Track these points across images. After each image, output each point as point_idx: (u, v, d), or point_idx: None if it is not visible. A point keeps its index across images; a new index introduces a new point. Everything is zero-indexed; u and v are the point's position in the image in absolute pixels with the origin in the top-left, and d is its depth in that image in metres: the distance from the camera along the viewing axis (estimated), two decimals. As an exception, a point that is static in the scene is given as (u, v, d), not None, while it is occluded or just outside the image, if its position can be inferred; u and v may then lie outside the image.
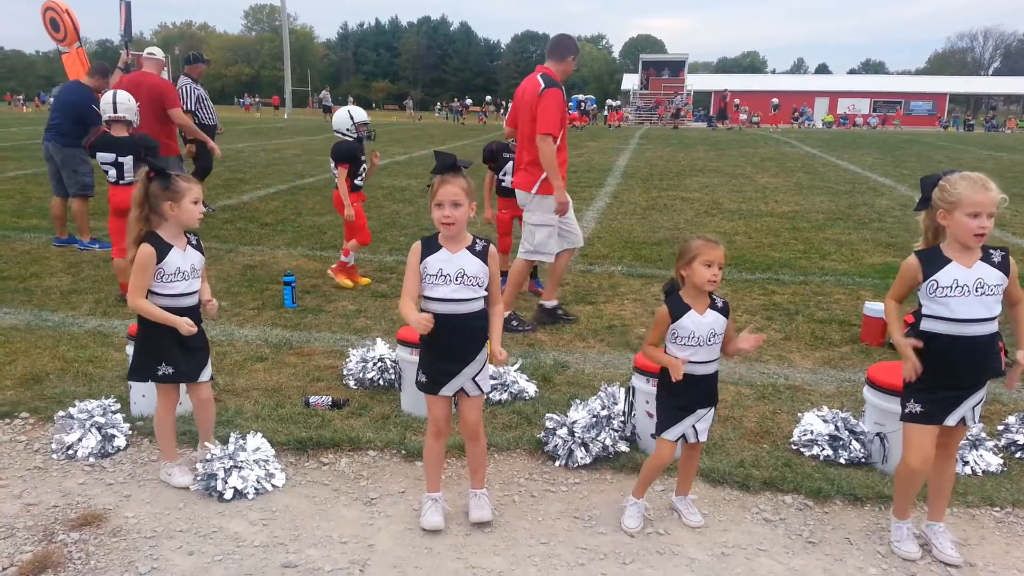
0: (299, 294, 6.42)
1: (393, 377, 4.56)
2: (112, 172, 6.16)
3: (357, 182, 6.86)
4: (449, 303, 3.03)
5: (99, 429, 3.76)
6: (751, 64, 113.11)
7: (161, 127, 7.87)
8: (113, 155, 6.15)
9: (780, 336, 5.74)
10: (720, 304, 3.08)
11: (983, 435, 3.81)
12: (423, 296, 3.07)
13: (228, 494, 3.36)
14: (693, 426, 3.14)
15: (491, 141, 6.80)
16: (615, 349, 5.43)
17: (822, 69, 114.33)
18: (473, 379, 3.12)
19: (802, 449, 3.87)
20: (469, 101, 59.60)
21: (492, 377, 4.36)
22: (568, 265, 6.13)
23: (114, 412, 3.89)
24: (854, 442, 3.79)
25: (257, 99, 70.50)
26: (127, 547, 3.01)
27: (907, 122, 57.85)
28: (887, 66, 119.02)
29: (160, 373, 3.38)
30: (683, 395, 3.11)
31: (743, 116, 49.77)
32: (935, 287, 2.86)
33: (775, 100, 54.63)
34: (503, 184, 6.71)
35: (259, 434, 3.65)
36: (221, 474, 3.41)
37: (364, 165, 6.88)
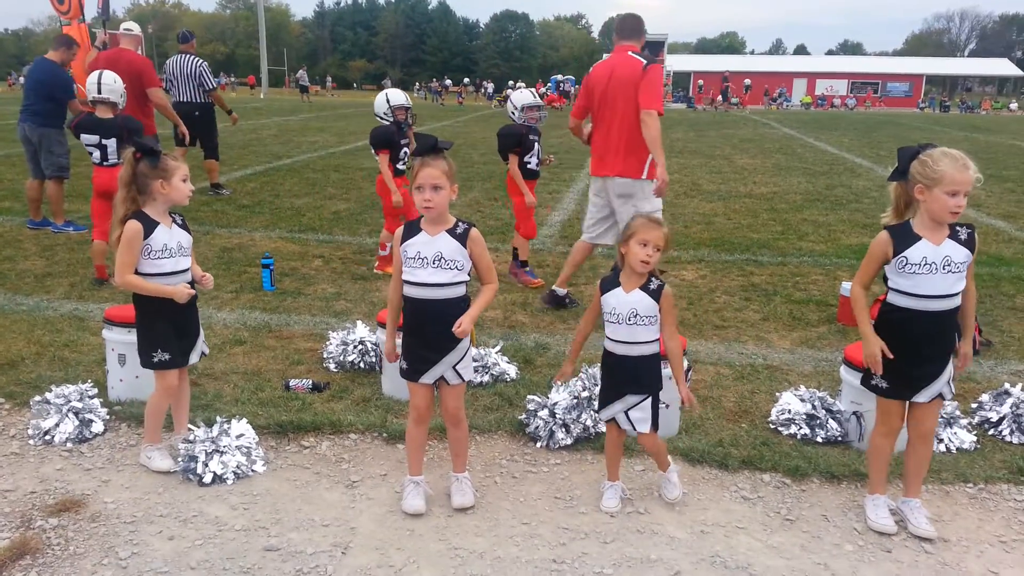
0: (278, 277, 6.38)
1: (374, 360, 4.55)
2: (96, 154, 6.11)
3: (400, 167, 6.68)
4: (427, 288, 3.01)
5: (76, 414, 3.73)
6: (730, 45, 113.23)
7: (139, 106, 7.75)
8: (97, 137, 6.09)
9: (758, 317, 5.79)
10: (653, 287, 3.04)
11: (957, 413, 3.88)
12: (404, 281, 3.06)
13: (207, 478, 3.35)
14: (625, 414, 3.12)
15: (507, 124, 6.60)
16: (595, 331, 5.42)
17: (801, 50, 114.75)
18: (454, 367, 3.11)
19: (780, 428, 3.92)
20: (449, 82, 59.11)
21: (473, 359, 4.36)
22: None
23: (91, 397, 3.85)
24: (831, 421, 3.84)
25: (232, 79, 69.55)
26: (106, 532, 3.00)
27: (884, 103, 58.24)
28: (865, 47, 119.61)
29: (156, 360, 3.35)
30: (609, 375, 3.16)
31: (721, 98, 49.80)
32: (904, 263, 2.91)
33: (747, 81, 54.61)
34: (528, 167, 6.51)
35: (244, 420, 3.64)
36: (202, 457, 3.39)
37: (405, 149, 6.71)
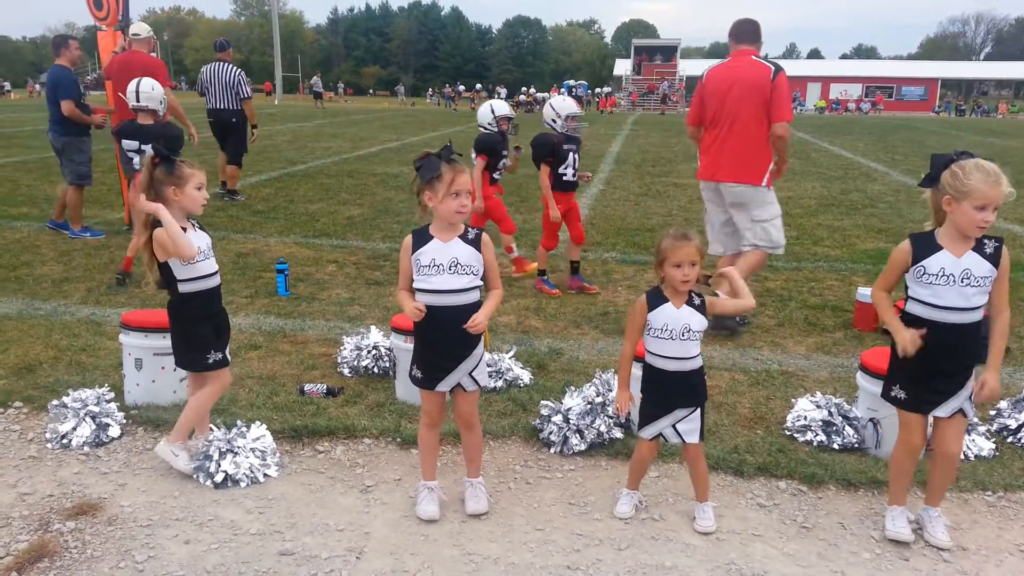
0: (292, 282, 6.40)
1: (388, 365, 4.56)
2: (136, 159, 6.30)
3: (495, 175, 6.70)
4: (443, 294, 3.00)
5: (93, 418, 3.75)
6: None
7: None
8: (136, 142, 6.32)
9: (774, 322, 5.76)
10: (698, 302, 3.03)
11: (975, 420, 3.84)
12: (417, 289, 3.04)
13: (219, 477, 3.37)
14: (674, 427, 3.09)
15: (541, 133, 6.46)
16: (609, 336, 5.43)
17: (814, 54, 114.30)
18: (470, 374, 3.11)
19: (796, 435, 3.89)
20: (462, 87, 59.08)
21: (487, 364, 4.36)
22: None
23: (108, 401, 3.88)
24: (847, 427, 3.81)
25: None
26: (123, 536, 3.01)
27: (899, 107, 57.90)
28: (879, 51, 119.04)
29: (211, 361, 3.41)
30: (658, 392, 3.10)
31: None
32: (922, 272, 2.87)
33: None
34: (563, 178, 6.35)
35: (263, 425, 3.65)
36: (216, 456, 3.41)
37: (505, 160, 6.70)
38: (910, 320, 2.95)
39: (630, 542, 3.06)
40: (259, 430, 3.59)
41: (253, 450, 3.49)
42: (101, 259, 7.18)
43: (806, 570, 2.91)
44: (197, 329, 3.39)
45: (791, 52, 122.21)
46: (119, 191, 9.21)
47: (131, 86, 6.53)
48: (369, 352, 4.60)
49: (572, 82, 49.24)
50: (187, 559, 2.89)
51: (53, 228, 8.24)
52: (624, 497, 3.27)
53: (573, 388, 4.03)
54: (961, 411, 2.97)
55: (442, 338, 3.05)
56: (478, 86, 58.21)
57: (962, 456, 3.70)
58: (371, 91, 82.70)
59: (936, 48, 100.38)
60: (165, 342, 3.73)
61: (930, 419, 3.05)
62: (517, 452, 3.77)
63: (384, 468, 3.58)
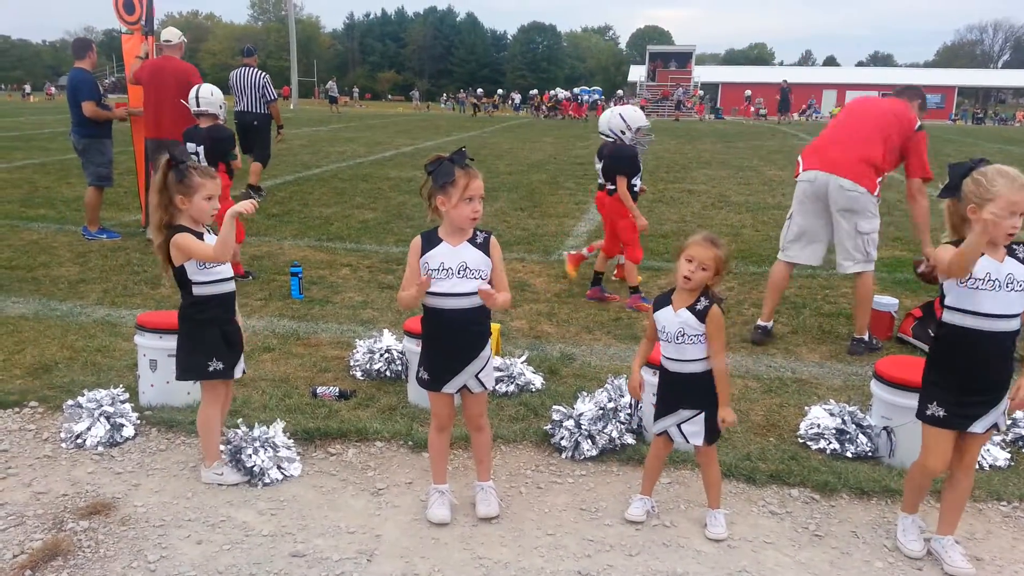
0: (306, 285, 6.43)
1: (400, 368, 4.57)
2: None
3: (635, 190, 6.43)
4: (452, 298, 3.01)
5: (108, 418, 3.78)
6: (759, 56, 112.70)
7: (187, 112, 7.81)
8: (193, 145, 6.47)
9: (787, 330, 5.73)
10: (700, 307, 2.99)
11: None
12: (427, 292, 3.04)
13: (256, 470, 3.42)
14: (678, 427, 3.09)
15: (618, 145, 6.22)
16: (621, 341, 5.43)
17: (830, 61, 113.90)
18: (476, 376, 3.11)
19: (809, 442, 3.87)
20: (480, 91, 58.13)
21: (498, 369, 4.37)
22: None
23: (123, 401, 3.91)
24: (861, 436, 3.78)
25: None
26: (136, 536, 3.03)
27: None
28: (895, 58, 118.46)
29: (211, 369, 3.36)
30: (664, 390, 3.14)
31: (752, 109, 49.58)
32: (968, 277, 2.76)
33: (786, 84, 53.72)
34: (634, 189, 6.24)
35: (281, 425, 3.68)
36: (250, 450, 3.45)
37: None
38: (948, 331, 2.85)
39: (641, 548, 3.05)
40: (282, 437, 3.63)
41: (284, 444, 3.57)
42: (117, 261, 7.24)
43: (818, 579, 2.90)
44: (205, 333, 3.35)
45: (807, 59, 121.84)
46: (136, 193, 9.29)
47: (192, 92, 6.68)
48: (382, 355, 4.62)
49: (577, 88, 49.19)
50: (199, 559, 2.90)
51: (91, 238, 8.23)
52: (637, 502, 3.27)
53: (585, 393, 4.03)
54: (995, 425, 2.89)
55: (450, 341, 3.07)
56: (500, 92, 57.32)
57: (977, 466, 3.68)
58: (388, 96, 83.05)
59: (953, 56, 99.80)
60: (180, 343, 3.74)
61: None
62: (528, 457, 3.77)
63: (396, 471, 3.59)
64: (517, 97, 55.05)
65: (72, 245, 7.87)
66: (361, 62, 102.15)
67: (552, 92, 49.81)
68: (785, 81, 47.17)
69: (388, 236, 8.69)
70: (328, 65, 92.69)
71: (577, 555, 3.00)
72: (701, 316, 2.99)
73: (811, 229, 5.37)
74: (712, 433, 3.09)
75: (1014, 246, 2.80)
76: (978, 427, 2.87)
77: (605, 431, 3.75)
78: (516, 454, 3.78)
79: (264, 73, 11.10)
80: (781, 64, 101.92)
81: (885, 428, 3.73)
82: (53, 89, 61.17)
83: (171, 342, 3.96)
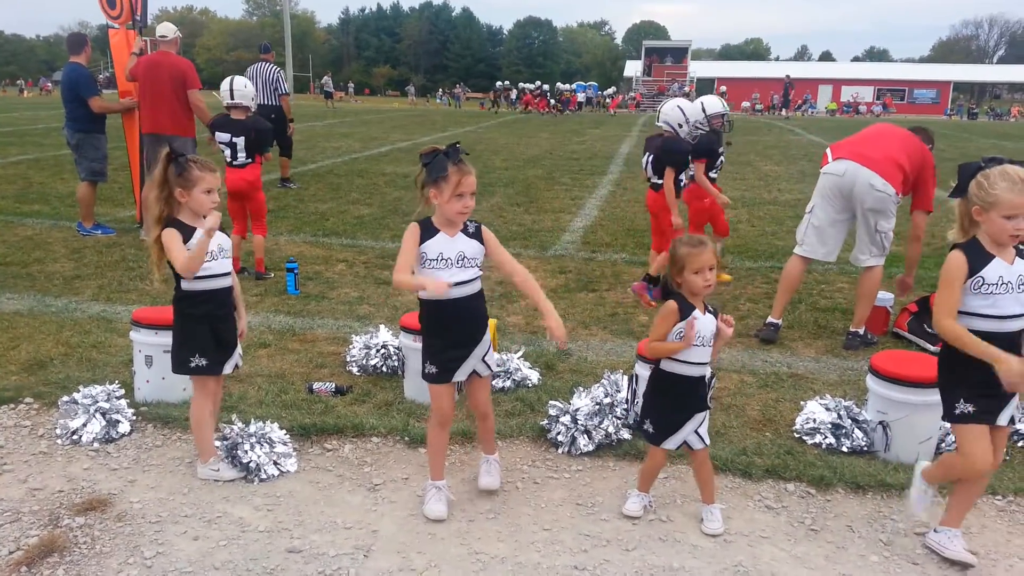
0: (302, 280, 6.43)
1: (396, 364, 4.57)
2: (227, 152, 6.43)
3: (712, 175, 6.49)
4: (453, 287, 3.03)
5: (103, 414, 3.77)
6: (754, 51, 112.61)
7: (182, 108, 7.79)
8: (228, 135, 6.44)
9: (783, 324, 5.74)
10: (711, 308, 3.05)
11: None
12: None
13: (252, 465, 3.42)
14: (695, 431, 3.07)
15: (672, 139, 6.20)
16: (618, 337, 5.43)
17: (826, 56, 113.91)
18: (483, 359, 3.18)
19: (804, 437, 3.88)
20: (500, 84, 53.74)
21: (496, 364, 4.37)
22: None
23: (118, 398, 3.90)
24: (856, 430, 3.79)
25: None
26: (132, 532, 3.03)
27: (911, 110, 57.65)
28: (891, 53, 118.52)
29: (193, 365, 3.36)
30: (681, 398, 3.06)
31: (746, 104, 49.60)
32: (981, 283, 2.73)
33: (723, 88, 52.80)
34: (681, 185, 6.24)
35: (276, 423, 3.68)
36: (247, 446, 3.46)
37: (723, 159, 6.50)
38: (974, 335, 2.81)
39: (638, 543, 3.06)
40: (279, 433, 3.63)
41: (280, 440, 3.58)
42: (112, 256, 7.23)
43: (814, 572, 2.90)
44: (193, 328, 3.35)
45: (802, 54, 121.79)
46: (130, 189, 9.26)
47: (224, 84, 6.65)
48: (378, 351, 4.61)
49: (569, 85, 49.02)
50: (195, 555, 2.90)
51: (86, 234, 8.23)
52: (634, 497, 3.27)
53: (581, 389, 4.03)
54: (1012, 418, 2.88)
55: (453, 329, 3.13)
56: (499, 84, 56.12)
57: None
58: (387, 91, 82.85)
59: (949, 51, 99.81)
60: (176, 339, 3.74)
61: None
62: (525, 452, 3.77)
63: (392, 467, 3.59)
64: (514, 93, 54.70)
65: (67, 241, 7.85)
66: (356, 57, 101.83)
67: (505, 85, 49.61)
68: (788, 76, 47.02)
69: (384, 231, 8.67)
70: (323, 60, 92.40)
71: (573, 550, 3.00)
72: (716, 315, 3.04)
73: (832, 225, 5.32)
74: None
75: (1022, 246, 2.79)
76: (1002, 419, 2.85)
77: (601, 426, 3.75)
78: (512, 449, 3.78)
79: (278, 68, 11.68)
80: (777, 59, 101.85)
81: (881, 423, 3.74)
82: (50, 84, 60.89)
83: (166, 338, 3.94)
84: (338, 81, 60.08)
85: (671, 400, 3.08)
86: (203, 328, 3.35)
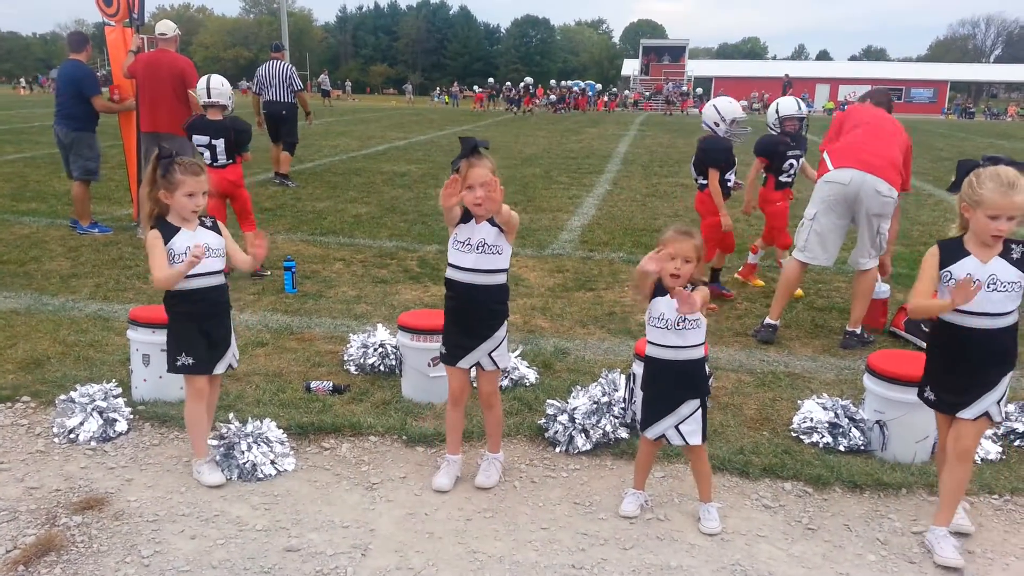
0: (299, 279, 6.42)
1: (394, 363, 4.56)
2: (206, 154, 6.40)
3: (782, 179, 6.44)
4: (472, 273, 3.18)
5: (100, 413, 3.77)
6: (752, 50, 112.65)
7: (182, 106, 7.77)
8: (207, 137, 6.39)
9: (780, 324, 5.74)
10: (692, 291, 2.97)
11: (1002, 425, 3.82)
12: (449, 264, 3.24)
13: (248, 466, 3.42)
14: (676, 428, 3.08)
15: (710, 137, 6.27)
16: (615, 336, 5.43)
17: (823, 55, 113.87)
18: (489, 355, 3.27)
19: (802, 436, 3.89)
20: (508, 84, 52.32)
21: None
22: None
23: (115, 396, 3.89)
24: (854, 430, 3.80)
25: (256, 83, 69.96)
26: (129, 531, 3.03)
27: (908, 109, 57.70)
28: (888, 53, 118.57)
29: (179, 363, 3.37)
30: (659, 386, 3.09)
31: (743, 103, 49.58)
32: (948, 278, 2.87)
33: (721, 91, 53.15)
34: (728, 185, 6.23)
35: (273, 422, 3.67)
36: (243, 446, 3.45)
37: (792, 161, 6.38)
38: (941, 326, 2.95)
39: (635, 542, 3.06)
40: (276, 432, 3.63)
41: (278, 440, 3.58)
42: (109, 255, 7.21)
43: (811, 572, 2.91)
44: (181, 327, 3.37)
45: (800, 53, 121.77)
46: (127, 187, 9.24)
47: (200, 83, 6.64)
48: (375, 350, 4.61)
49: (572, 83, 48.76)
50: (193, 554, 2.90)
51: (82, 232, 8.21)
52: (629, 496, 3.28)
53: (579, 387, 4.03)
54: (987, 414, 2.93)
55: (468, 316, 3.25)
56: (491, 80, 55.60)
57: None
58: (391, 90, 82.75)
59: (945, 50, 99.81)
60: (173, 338, 3.73)
61: None
62: (523, 451, 3.77)
63: (390, 466, 3.59)
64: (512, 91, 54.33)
65: (63, 239, 7.83)
66: (354, 55, 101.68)
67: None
68: (787, 75, 46.98)
69: (381, 230, 8.67)
70: (320, 58, 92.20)
71: (571, 549, 3.01)
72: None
73: (834, 231, 5.32)
74: (705, 429, 3.12)
75: (1011, 245, 2.84)
76: (967, 414, 2.93)
77: (599, 425, 3.76)
78: (510, 448, 3.78)
79: (291, 66, 11.97)
80: (774, 58, 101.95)
81: (878, 422, 3.74)
82: (47, 81, 60.70)
83: (163, 337, 3.94)
84: (335, 79, 59.93)
85: (653, 386, 3.14)
86: (191, 327, 3.36)
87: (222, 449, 3.47)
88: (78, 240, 7.81)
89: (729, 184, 6.21)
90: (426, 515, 3.19)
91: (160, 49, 8.00)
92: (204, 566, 2.84)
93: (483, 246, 3.17)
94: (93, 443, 3.68)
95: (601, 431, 3.76)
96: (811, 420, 3.89)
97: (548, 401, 3.95)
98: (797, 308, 6.12)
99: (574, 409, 3.80)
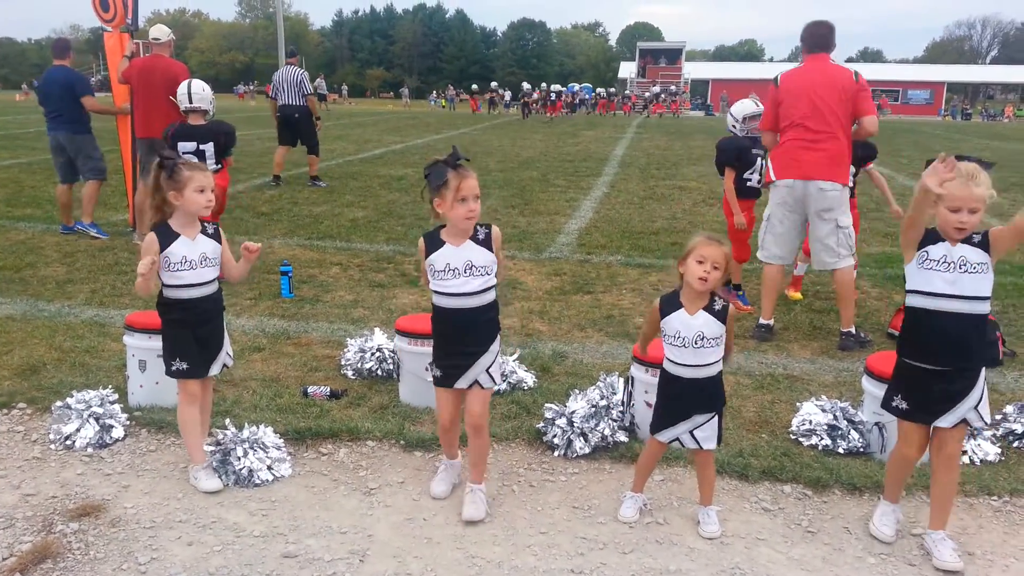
0: (296, 284, 6.40)
1: (391, 367, 4.55)
2: (195, 160, 6.33)
3: (749, 184, 6.19)
4: (460, 297, 3.05)
5: (97, 419, 3.75)
6: (749, 52, 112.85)
7: (176, 112, 7.77)
8: (194, 143, 6.37)
9: (779, 326, 5.74)
10: (718, 307, 2.97)
11: (985, 429, 3.81)
12: (435, 292, 3.09)
13: (244, 472, 3.40)
14: (691, 433, 3.06)
15: (727, 137, 6.29)
16: (613, 339, 5.42)
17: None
18: (487, 370, 3.15)
19: (801, 439, 3.88)
20: (527, 86, 50.01)
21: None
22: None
23: (112, 402, 3.88)
24: (853, 432, 3.80)
25: (252, 87, 70.14)
26: (126, 537, 3.01)
27: (905, 111, 57.83)
28: (885, 54, 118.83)
29: (174, 368, 3.37)
30: (674, 399, 3.06)
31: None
32: (925, 258, 2.89)
33: (724, 93, 53.53)
34: (748, 184, 6.14)
35: (270, 428, 3.66)
36: (239, 452, 3.43)
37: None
38: (912, 314, 2.96)
39: (634, 546, 3.05)
40: (272, 437, 3.62)
41: (274, 446, 3.56)
42: (105, 260, 7.19)
43: (811, 574, 2.90)
44: (174, 333, 3.38)
45: (797, 55, 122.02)
46: (123, 192, 9.22)
47: (181, 88, 6.62)
48: (373, 354, 4.60)
49: (577, 86, 48.89)
50: (190, 561, 2.88)
51: (67, 232, 8.21)
52: (628, 501, 3.26)
53: (577, 391, 4.02)
54: (965, 421, 2.92)
55: (461, 338, 3.11)
56: (493, 84, 55.26)
57: (968, 461, 3.69)
58: (380, 93, 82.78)
59: (942, 52, 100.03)
60: (169, 344, 3.72)
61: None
62: (521, 455, 3.76)
63: (387, 471, 3.57)
64: (508, 94, 54.37)
65: (59, 245, 7.81)
66: (350, 59, 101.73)
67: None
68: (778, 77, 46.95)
69: (378, 234, 8.66)
70: (316, 62, 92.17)
71: (570, 553, 2.99)
72: (722, 317, 2.97)
73: (791, 230, 5.44)
74: (721, 433, 3.10)
75: (972, 236, 2.88)
76: (944, 422, 2.92)
77: (597, 429, 3.75)
78: (508, 452, 3.77)
79: (303, 71, 12.44)
80: (771, 60, 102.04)
81: (877, 424, 3.74)
82: (25, 86, 60.66)
83: (160, 342, 3.94)
84: (332, 83, 59.94)
85: (667, 398, 3.10)
86: (184, 333, 3.36)
87: (218, 455, 3.46)
88: (73, 246, 7.78)
89: (749, 184, 6.16)
90: (424, 520, 3.18)
91: (154, 54, 8.00)
92: (201, 573, 2.82)
93: (471, 268, 3.04)
94: (89, 449, 3.67)
95: (599, 435, 3.74)
96: (810, 422, 3.89)
97: (546, 405, 3.94)
98: (795, 310, 6.12)
99: (572, 413, 3.79)
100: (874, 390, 3.73)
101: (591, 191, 12.40)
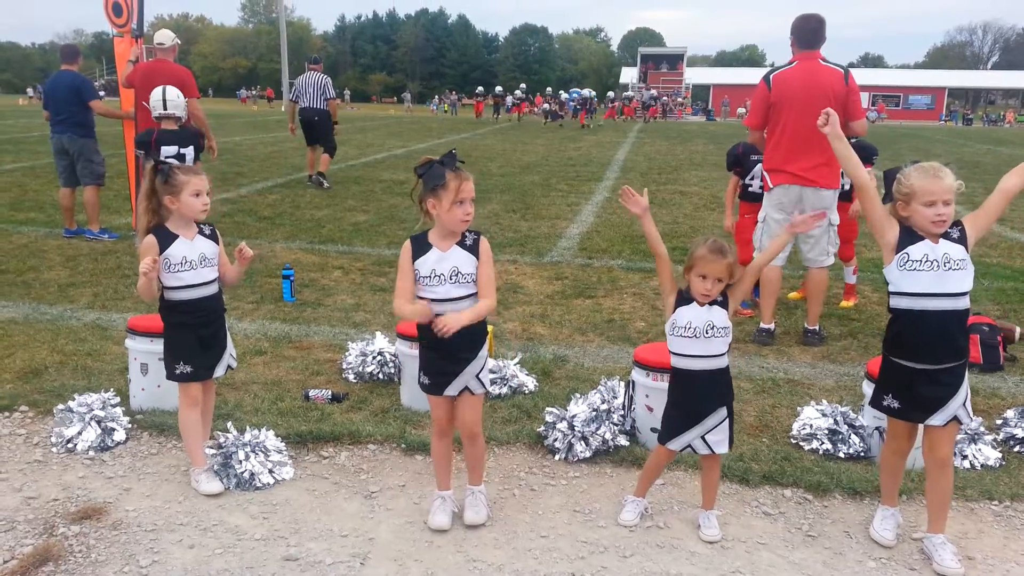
0: (297, 288, 6.42)
1: (393, 371, 4.56)
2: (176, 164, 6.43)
3: (750, 189, 6.21)
4: (446, 303, 2.99)
5: (99, 423, 3.76)
6: (750, 57, 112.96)
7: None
8: (176, 147, 6.43)
9: (779, 331, 5.74)
10: (720, 299, 3.03)
11: (982, 429, 3.82)
12: (420, 297, 3.03)
13: (245, 475, 3.40)
14: (703, 438, 3.06)
15: (736, 143, 6.36)
16: (614, 343, 5.43)
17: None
18: (477, 376, 3.09)
19: (801, 443, 3.88)
20: (549, 90, 47.48)
21: (491, 371, 4.36)
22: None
23: (113, 406, 3.88)
24: (853, 436, 3.80)
25: (254, 92, 70.33)
26: (127, 540, 3.02)
27: (906, 116, 57.86)
28: (886, 60, 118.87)
29: (178, 372, 3.37)
30: (686, 397, 3.06)
31: (741, 110, 49.75)
32: (906, 259, 2.89)
33: (725, 98, 53.71)
34: (749, 189, 6.19)
35: (271, 431, 3.66)
36: (241, 455, 3.43)
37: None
38: (897, 317, 2.97)
39: (635, 550, 3.05)
40: (274, 441, 3.62)
41: (275, 449, 3.56)
42: (107, 264, 7.21)
43: (811, 579, 2.90)
44: (177, 336, 3.38)
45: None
46: (127, 196, 9.25)
47: (155, 94, 6.66)
48: (374, 358, 4.61)
49: (581, 92, 48.76)
50: (191, 564, 2.89)
51: (70, 236, 8.25)
52: (629, 504, 3.26)
53: (578, 395, 4.03)
54: (955, 418, 2.93)
55: (448, 345, 3.01)
56: (498, 89, 55.13)
57: (968, 465, 3.70)
58: (383, 98, 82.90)
59: (943, 57, 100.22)
60: (171, 347, 3.73)
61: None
62: (522, 459, 3.76)
63: (389, 474, 3.58)
64: (509, 99, 54.37)
65: (62, 249, 7.83)
66: (352, 64, 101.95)
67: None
68: None
69: (380, 238, 8.67)
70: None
71: (571, 557, 3.00)
72: (725, 306, 3.04)
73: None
74: (732, 436, 3.11)
75: (949, 230, 2.90)
76: (936, 420, 2.93)
77: (598, 432, 3.75)
78: (509, 456, 3.78)
79: (326, 76, 13.00)
80: (772, 66, 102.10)
81: (877, 428, 3.73)
82: (30, 92, 60.88)
83: (161, 346, 3.95)
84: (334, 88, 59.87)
85: (679, 398, 3.09)
86: (187, 335, 3.37)
87: (220, 458, 3.47)
88: (76, 249, 7.80)
89: (751, 189, 6.22)
90: (425, 523, 3.18)
91: (159, 59, 8.03)
92: (202, 575, 2.83)
93: (457, 275, 2.97)
94: (91, 452, 3.67)
95: (600, 438, 3.75)
96: (810, 427, 3.89)
97: (547, 409, 3.94)
98: (796, 315, 6.12)
99: (573, 416, 3.79)
100: (875, 394, 3.73)
101: (592, 195, 12.41)
